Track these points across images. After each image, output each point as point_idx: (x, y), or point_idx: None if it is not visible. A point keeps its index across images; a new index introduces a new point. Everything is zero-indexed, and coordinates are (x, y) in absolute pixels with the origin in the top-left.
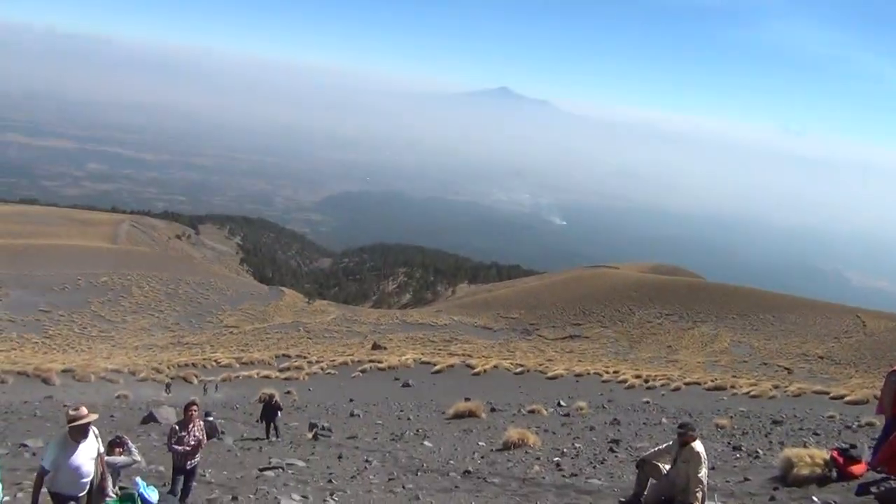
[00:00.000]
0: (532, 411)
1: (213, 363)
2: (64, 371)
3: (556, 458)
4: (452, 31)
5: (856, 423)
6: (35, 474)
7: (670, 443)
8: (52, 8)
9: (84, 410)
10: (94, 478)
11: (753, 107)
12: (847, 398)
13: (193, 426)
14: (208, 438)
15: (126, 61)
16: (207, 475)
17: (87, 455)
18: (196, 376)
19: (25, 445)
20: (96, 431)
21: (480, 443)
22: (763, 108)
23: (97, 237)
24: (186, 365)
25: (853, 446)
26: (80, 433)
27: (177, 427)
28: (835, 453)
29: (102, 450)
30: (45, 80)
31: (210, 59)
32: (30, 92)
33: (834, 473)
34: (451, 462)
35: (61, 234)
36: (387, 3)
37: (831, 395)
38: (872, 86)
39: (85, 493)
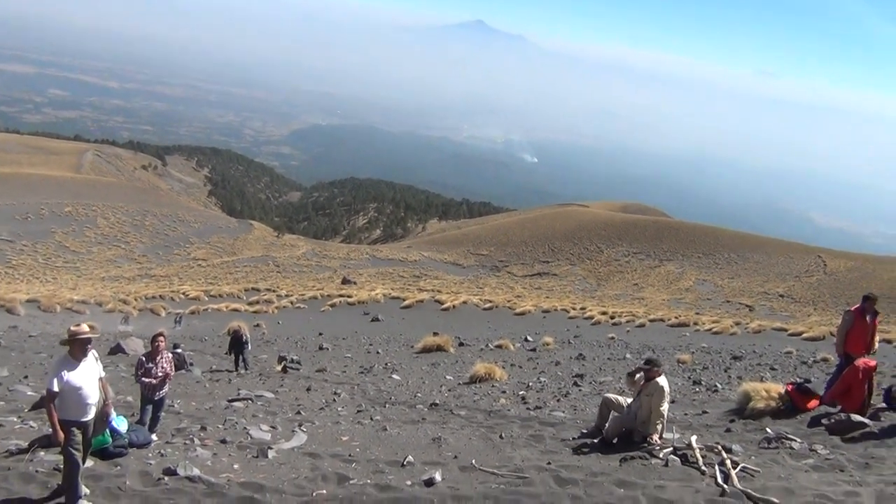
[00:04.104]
0: (499, 346)
1: (182, 296)
2: (28, 301)
3: (522, 392)
4: None
5: (812, 359)
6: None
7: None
8: None
9: (85, 326)
10: (98, 402)
11: (729, 48)
12: (805, 335)
13: (161, 357)
14: (176, 370)
15: None
16: (176, 406)
17: (89, 376)
18: (164, 308)
19: None
20: (96, 354)
21: (448, 376)
22: (739, 49)
23: (60, 166)
24: (154, 297)
25: (807, 381)
26: (81, 350)
27: (144, 358)
28: (789, 387)
29: (104, 374)
30: (2, 2)
31: None
32: None
33: (788, 406)
34: (419, 395)
35: (23, 162)
36: None
37: (790, 331)
38: (847, 30)
39: (91, 418)
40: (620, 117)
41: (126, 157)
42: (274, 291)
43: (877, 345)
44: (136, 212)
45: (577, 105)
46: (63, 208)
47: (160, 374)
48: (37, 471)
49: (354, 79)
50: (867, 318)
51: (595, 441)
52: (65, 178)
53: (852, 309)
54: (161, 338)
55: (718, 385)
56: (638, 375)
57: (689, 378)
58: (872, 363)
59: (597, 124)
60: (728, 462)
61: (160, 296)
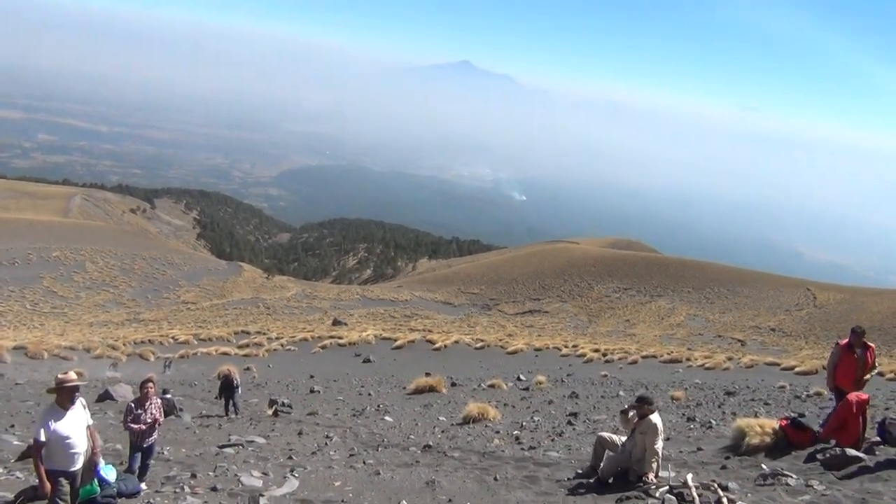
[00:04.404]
0: (492, 386)
1: (171, 340)
2: (15, 348)
3: (516, 432)
4: (414, 3)
5: (805, 393)
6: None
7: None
8: None
9: (73, 374)
10: (86, 451)
11: (711, 84)
12: (797, 369)
13: (150, 404)
14: (166, 416)
15: (77, 27)
16: (166, 453)
17: (77, 424)
18: (153, 353)
19: None
20: (84, 402)
21: (441, 417)
22: (721, 85)
23: (48, 211)
24: (143, 342)
25: (802, 415)
26: (68, 398)
27: (133, 405)
28: (783, 423)
29: (92, 422)
30: None
31: (167, 27)
32: None
33: (783, 442)
34: (412, 437)
35: (10, 207)
36: None
37: (782, 366)
38: (826, 65)
39: (78, 468)
40: (606, 153)
41: (114, 201)
42: (264, 334)
43: (869, 377)
44: (124, 255)
45: (564, 142)
46: (51, 253)
47: (149, 420)
48: None
49: (342, 119)
50: (856, 352)
51: (590, 481)
52: (52, 223)
53: (841, 343)
54: (150, 383)
55: (713, 421)
56: (631, 413)
57: (683, 415)
58: (865, 396)
59: (583, 160)
60: (724, 500)
61: (149, 340)
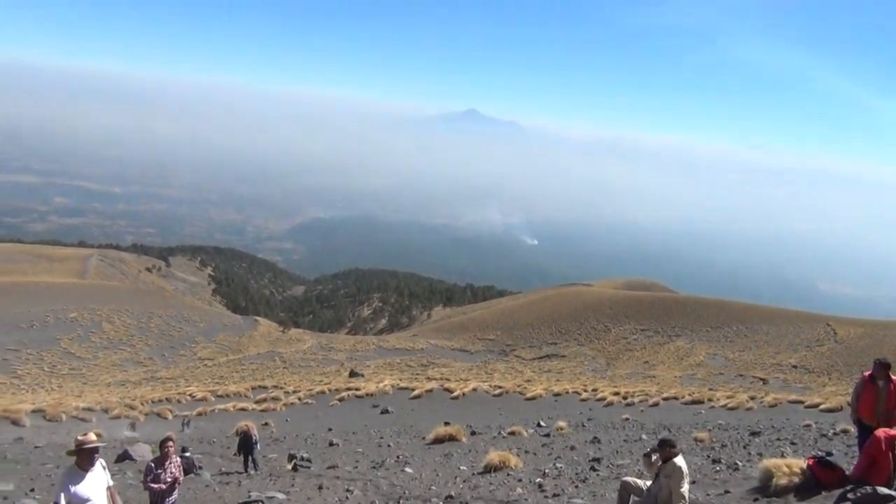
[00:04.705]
0: (512, 433)
1: (188, 397)
2: (34, 411)
3: (538, 479)
4: (421, 56)
5: (831, 431)
6: None
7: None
8: (5, 36)
9: (92, 436)
10: None
11: (715, 124)
12: (822, 406)
13: (170, 463)
14: (185, 474)
15: (88, 91)
16: None
17: (97, 486)
18: (171, 411)
19: None
20: (104, 463)
21: (462, 467)
22: (725, 125)
23: (65, 273)
24: (161, 400)
25: (829, 454)
26: (88, 459)
27: (153, 464)
28: (811, 462)
29: (112, 483)
30: (3, 114)
31: (175, 87)
32: None
33: (811, 482)
34: (433, 488)
35: (28, 270)
36: (354, 30)
37: (806, 403)
38: (828, 102)
39: None
40: (615, 195)
41: (130, 261)
42: (281, 388)
43: None
44: (141, 314)
45: (573, 185)
46: (68, 314)
47: (169, 479)
48: None
49: (353, 170)
50: (879, 384)
51: None
52: (69, 284)
53: (864, 374)
54: (170, 442)
55: (739, 463)
56: (654, 457)
57: (708, 456)
58: (893, 432)
59: (593, 202)
60: None
61: (167, 398)
